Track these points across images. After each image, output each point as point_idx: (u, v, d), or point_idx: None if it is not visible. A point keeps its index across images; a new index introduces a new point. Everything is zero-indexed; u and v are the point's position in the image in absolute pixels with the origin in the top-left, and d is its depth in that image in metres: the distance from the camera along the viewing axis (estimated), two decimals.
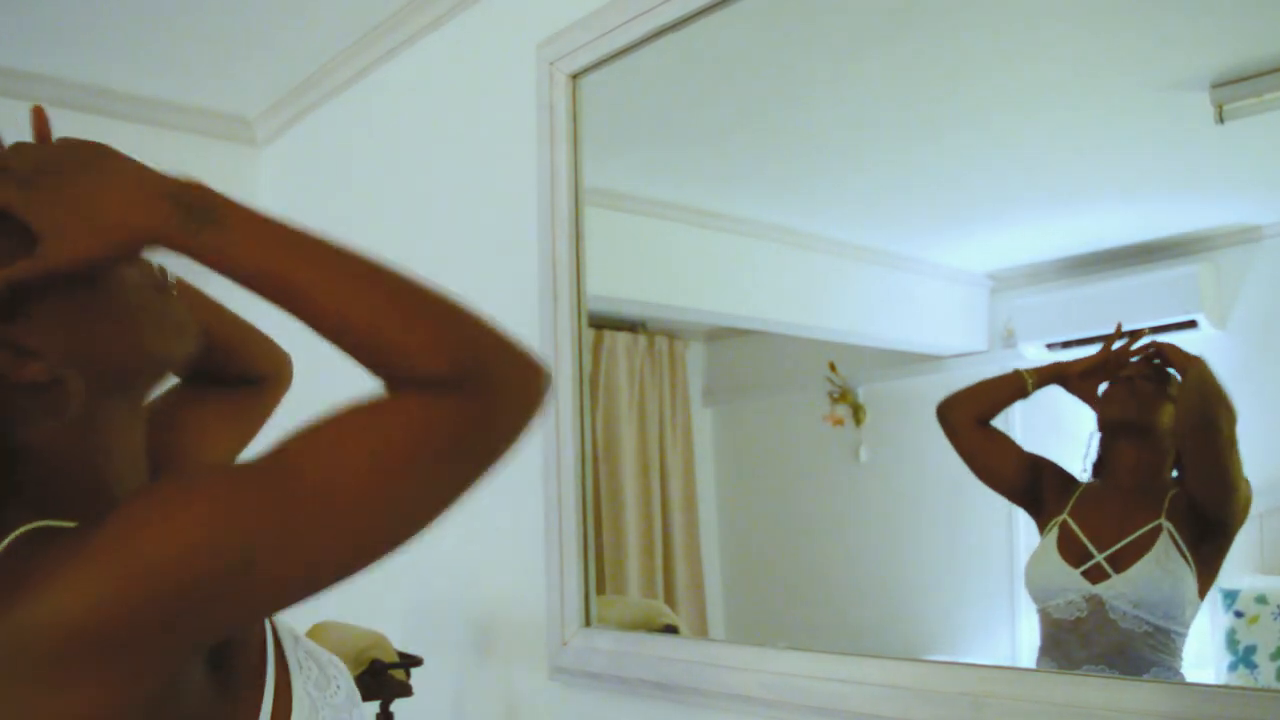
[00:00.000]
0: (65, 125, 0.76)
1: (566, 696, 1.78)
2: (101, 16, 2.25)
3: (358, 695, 0.88)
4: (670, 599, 1.94)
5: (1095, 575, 1.28)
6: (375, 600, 2.10)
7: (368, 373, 0.70)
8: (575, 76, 1.82)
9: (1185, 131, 1.33)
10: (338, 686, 0.85)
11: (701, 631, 1.93)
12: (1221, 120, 1.22)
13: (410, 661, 1.78)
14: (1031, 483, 1.41)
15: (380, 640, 1.76)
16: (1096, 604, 1.27)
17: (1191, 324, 1.29)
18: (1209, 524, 1.23)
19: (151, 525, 0.62)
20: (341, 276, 0.69)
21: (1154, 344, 1.31)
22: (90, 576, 0.61)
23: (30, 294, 0.69)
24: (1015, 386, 1.43)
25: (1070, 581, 1.30)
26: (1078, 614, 1.28)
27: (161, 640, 0.62)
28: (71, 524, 0.68)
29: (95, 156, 0.70)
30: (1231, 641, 1.24)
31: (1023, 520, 1.42)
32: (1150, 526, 1.25)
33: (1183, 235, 1.33)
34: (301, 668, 0.82)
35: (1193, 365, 1.27)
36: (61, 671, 0.60)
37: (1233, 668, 1.24)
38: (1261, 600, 1.24)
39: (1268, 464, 1.21)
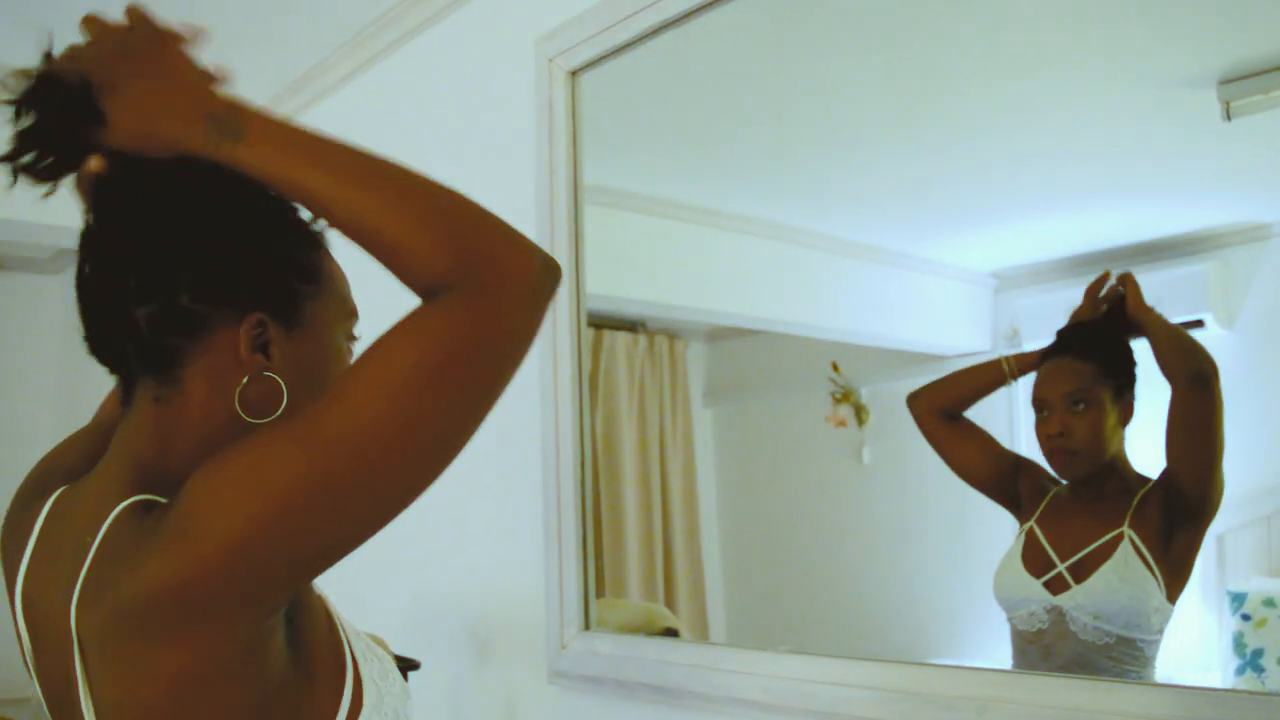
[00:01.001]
0: None
1: (565, 700, 1.78)
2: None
3: (409, 690, 0.93)
4: (670, 602, 1.94)
5: (1057, 586, 1.29)
6: (372, 602, 2.10)
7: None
8: (574, 73, 1.82)
9: (1192, 128, 1.33)
10: (394, 679, 0.90)
11: (702, 635, 1.93)
12: (1229, 117, 1.22)
13: (407, 664, 1.78)
14: (1009, 482, 1.40)
15: (377, 642, 1.76)
16: (1058, 615, 1.27)
17: (1199, 324, 1.29)
18: (1183, 513, 1.21)
19: (210, 495, 0.70)
20: (352, 182, 0.75)
21: (1118, 283, 1.31)
22: (171, 545, 0.69)
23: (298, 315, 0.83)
24: (993, 375, 1.43)
25: (1032, 592, 1.30)
26: (1039, 625, 1.28)
27: (235, 598, 0.69)
28: (164, 500, 0.75)
29: (159, 57, 0.80)
30: (1239, 645, 1.25)
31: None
32: (1112, 535, 1.25)
33: (1189, 234, 1.33)
34: (365, 659, 0.87)
35: (1152, 320, 1.26)
36: (159, 630, 0.69)
37: (1240, 672, 1.24)
38: (1270, 603, 1.24)
39: (1275, 464, 1.21)
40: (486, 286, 0.73)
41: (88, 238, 0.83)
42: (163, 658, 0.69)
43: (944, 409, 1.47)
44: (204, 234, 0.80)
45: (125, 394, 0.84)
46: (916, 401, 1.50)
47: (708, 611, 1.96)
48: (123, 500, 0.76)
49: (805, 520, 1.91)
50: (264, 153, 0.76)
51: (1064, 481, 1.36)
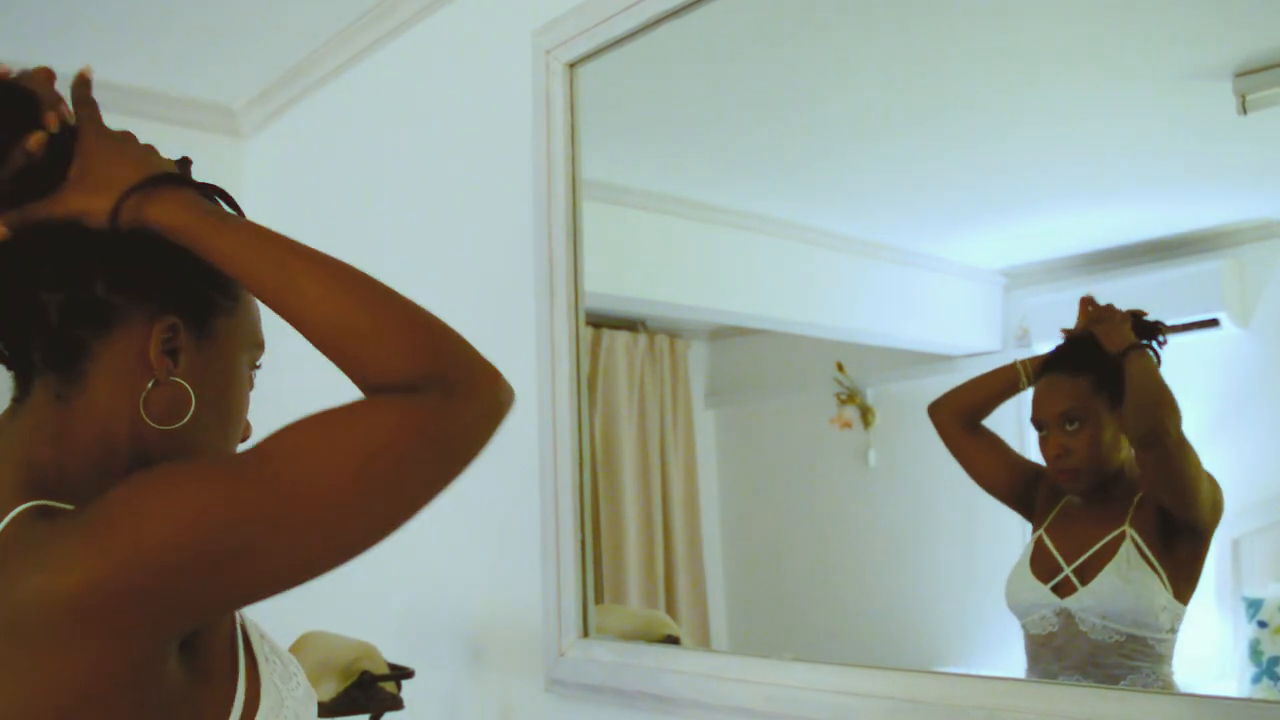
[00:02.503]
0: None
1: (563, 710, 1.78)
2: (80, 3, 2.25)
3: (314, 694, 0.93)
4: (671, 608, 1.94)
5: (1064, 589, 1.32)
6: (365, 609, 2.10)
7: (348, 378, 0.79)
8: (572, 65, 1.82)
9: (1207, 123, 1.33)
10: (298, 683, 0.90)
11: (704, 642, 1.93)
12: (1245, 111, 1.22)
13: (401, 673, 1.77)
14: (1025, 491, 1.43)
15: (370, 651, 1.76)
16: (1066, 618, 1.30)
17: (1213, 323, 1.29)
18: (1179, 528, 1.24)
19: (137, 510, 0.70)
20: (329, 286, 0.79)
21: (1089, 310, 1.34)
22: (82, 553, 0.69)
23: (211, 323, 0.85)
24: (1009, 380, 1.44)
25: (1041, 598, 1.33)
26: (1050, 629, 1.31)
27: (141, 617, 0.69)
28: (69, 506, 0.74)
29: (130, 145, 0.83)
30: (1255, 653, 1.24)
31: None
32: (1113, 535, 1.28)
33: (1204, 230, 1.33)
34: (268, 660, 0.87)
35: (1131, 360, 1.27)
36: (55, 638, 0.68)
37: (1256, 680, 1.24)
38: None
39: None
40: (460, 390, 0.78)
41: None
42: (53, 668, 0.68)
43: (965, 417, 1.48)
44: None
45: (20, 390, 0.82)
46: (939, 411, 1.51)
47: (709, 618, 1.96)
48: (17, 504, 0.74)
49: (809, 525, 1.91)
50: (240, 242, 0.80)
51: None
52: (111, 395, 0.80)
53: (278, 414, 0.82)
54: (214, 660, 0.81)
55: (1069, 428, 1.34)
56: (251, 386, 0.91)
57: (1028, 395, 1.42)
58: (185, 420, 0.81)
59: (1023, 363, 1.43)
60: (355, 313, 0.78)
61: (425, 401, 0.76)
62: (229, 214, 0.82)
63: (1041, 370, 1.39)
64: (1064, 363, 1.38)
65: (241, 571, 0.71)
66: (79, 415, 0.80)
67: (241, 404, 0.89)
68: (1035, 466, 1.41)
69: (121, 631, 0.69)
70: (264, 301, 0.80)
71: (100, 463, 0.79)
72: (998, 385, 1.46)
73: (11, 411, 0.83)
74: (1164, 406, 1.24)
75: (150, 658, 0.72)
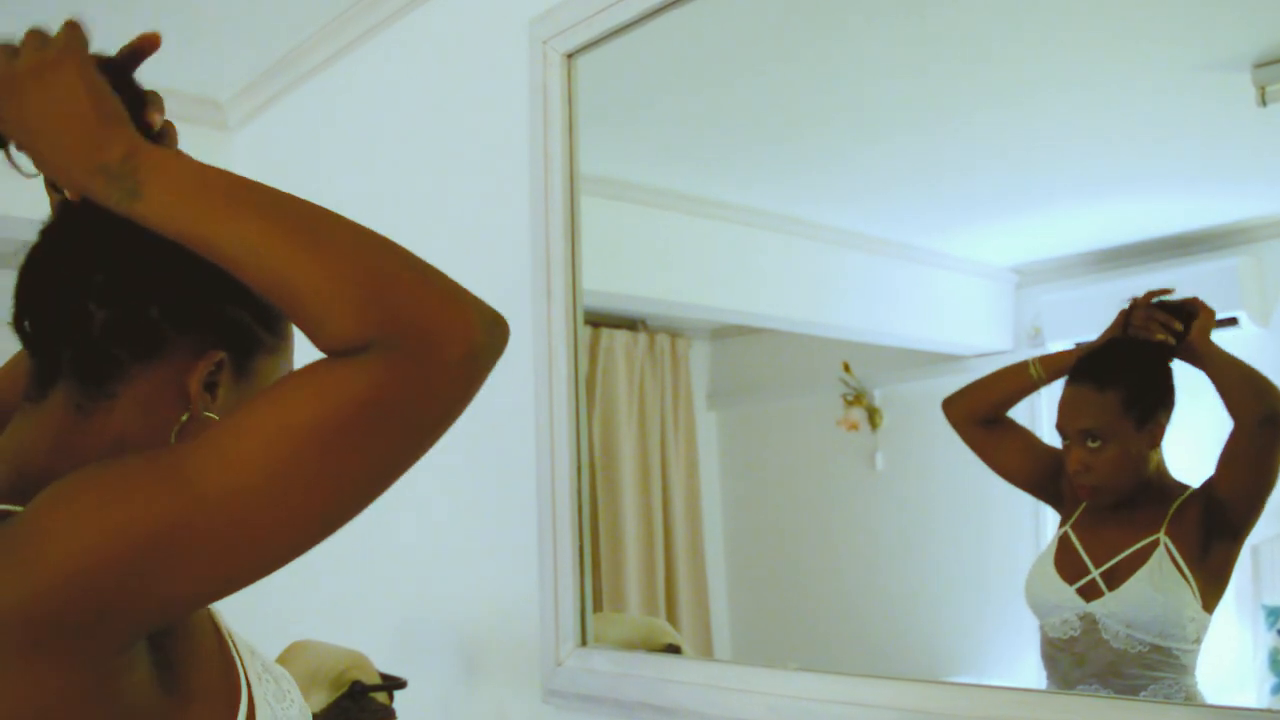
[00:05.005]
0: None
1: None
2: None
3: (309, 711, 0.92)
4: (672, 616, 1.94)
5: (1090, 592, 1.31)
6: (356, 617, 2.10)
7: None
8: (570, 56, 1.82)
9: (1225, 115, 1.33)
10: (292, 700, 0.88)
11: (706, 651, 1.93)
12: (1264, 103, 1.22)
13: (393, 683, 1.77)
14: (1051, 480, 1.41)
15: (361, 660, 1.75)
16: (1090, 622, 1.29)
17: (1232, 321, 1.29)
18: (1223, 527, 1.23)
19: (53, 526, 0.67)
20: (261, 231, 0.71)
21: (1180, 306, 1.30)
22: (9, 568, 0.66)
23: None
24: (1022, 379, 1.44)
25: (1065, 599, 1.32)
26: (1071, 633, 1.30)
27: (74, 635, 0.66)
28: (19, 509, 0.71)
29: (44, 91, 0.75)
30: (1275, 662, 1.24)
31: (1050, 532, 1.42)
32: (1147, 541, 1.27)
33: (1222, 226, 1.33)
34: (260, 680, 0.85)
35: (1217, 351, 1.25)
36: None
37: (1276, 690, 1.24)
38: None
39: None
40: (410, 350, 0.69)
41: (60, 220, 0.81)
42: (1, 686, 0.66)
43: (981, 415, 1.48)
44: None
45: (37, 390, 0.80)
46: (952, 408, 1.51)
47: (712, 626, 1.96)
48: None
49: (815, 530, 1.91)
50: (163, 208, 0.72)
51: None
52: (135, 419, 0.78)
53: None
54: (199, 677, 0.79)
55: (1091, 444, 1.33)
56: None
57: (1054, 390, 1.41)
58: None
59: (1034, 362, 1.43)
60: (292, 265, 0.70)
61: (371, 364, 0.68)
62: (144, 163, 0.74)
63: (1070, 375, 1.37)
64: (1093, 373, 1.36)
65: (176, 581, 0.68)
66: (92, 431, 0.78)
67: None
68: (1059, 454, 1.39)
69: (58, 650, 0.66)
70: (195, 249, 0.73)
71: None
72: (1012, 385, 1.45)
73: (24, 412, 0.81)
74: (1274, 390, 1.21)
75: (102, 674, 0.69)
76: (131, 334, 0.77)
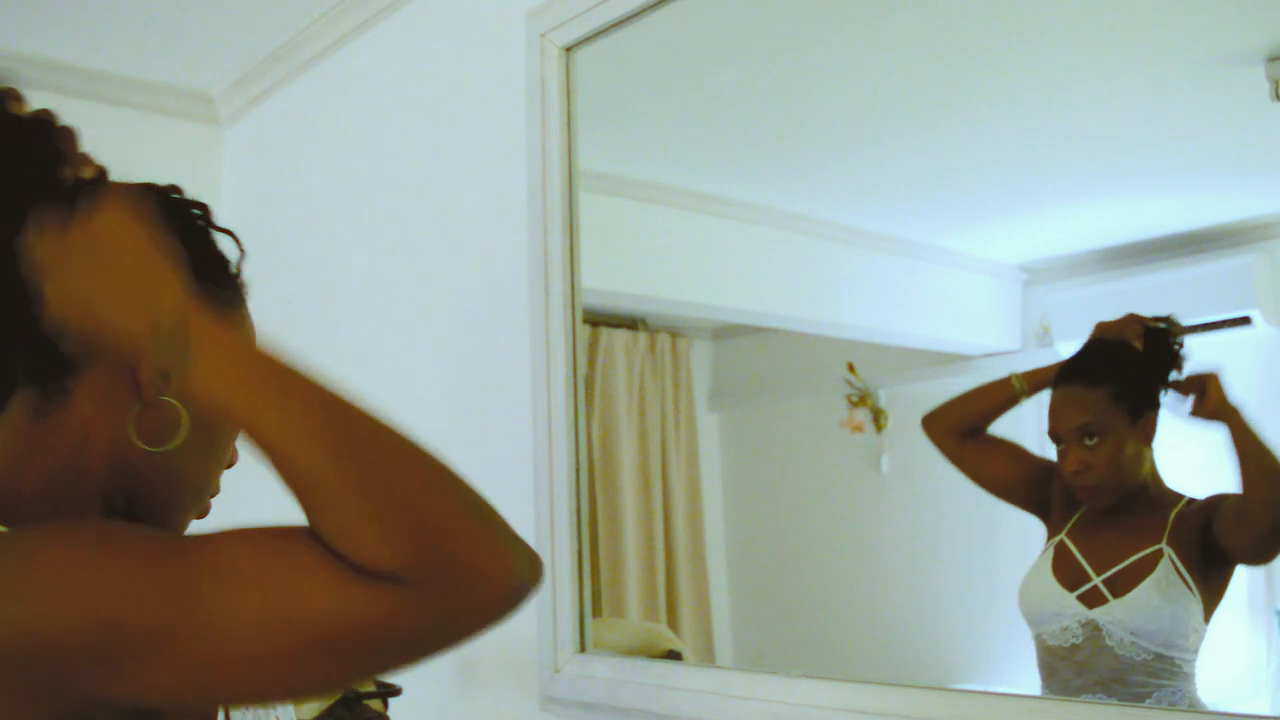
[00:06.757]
0: None
1: None
2: None
3: None
4: (673, 622, 1.94)
5: (1092, 600, 1.31)
6: None
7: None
8: (569, 49, 1.82)
9: (1238, 109, 1.33)
10: (276, 718, 0.89)
11: (707, 658, 1.93)
12: (1278, 97, 1.22)
13: (387, 691, 1.77)
14: (1040, 491, 1.43)
15: None
16: (1093, 630, 1.30)
17: (1245, 320, 1.29)
18: (1223, 557, 1.25)
19: (37, 573, 0.67)
20: (304, 439, 0.69)
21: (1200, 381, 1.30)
22: None
23: None
24: (1004, 394, 1.46)
25: (1065, 606, 1.33)
26: (1073, 640, 1.31)
27: (33, 684, 0.66)
28: (2, 529, 0.72)
29: (110, 240, 0.74)
30: None
31: None
32: (1150, 551, 1.28)
33: (1235, 223, 1.33)
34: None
35: (1238, 430, 1.24)
36: None
37: None
38: None
39: None
40: (442, 587, 0.68)
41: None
42: None
43: (963, 428, 1.50)
44: None
45: None
46: (932, 425, 1.54)
47: (713, 632, 1.96)
48: None
49: (819, 533, 1.91)
50: (207, 386, 0.71)
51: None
52: (94, 414, 0.78)
53: None
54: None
55: (1088, 442, 1.34)
56: None
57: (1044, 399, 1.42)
58: (177, 442, 0.79)
59: (1017, 376, 1.44)
60: (333, 475, 0.68)
61: (395, 593, 0.67)
62: (196, 332, 0.73)
63: (1057, 380, 1.39)
64: (1081, 373, 1.38)
65: (139, 678, 0.67)
66: (54, 433, 0.78)
67: (231, 431, 0.86)
68: (1048, 464, 1.41)
69: (17, 694, 0.66)
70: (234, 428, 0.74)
71: (64, 485, 0.77)
72: (992, 400, 1.47)
73: None
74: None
75: (74, 715, 0.69)
76: None
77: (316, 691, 0.72)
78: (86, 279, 0.73)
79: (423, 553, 0.67)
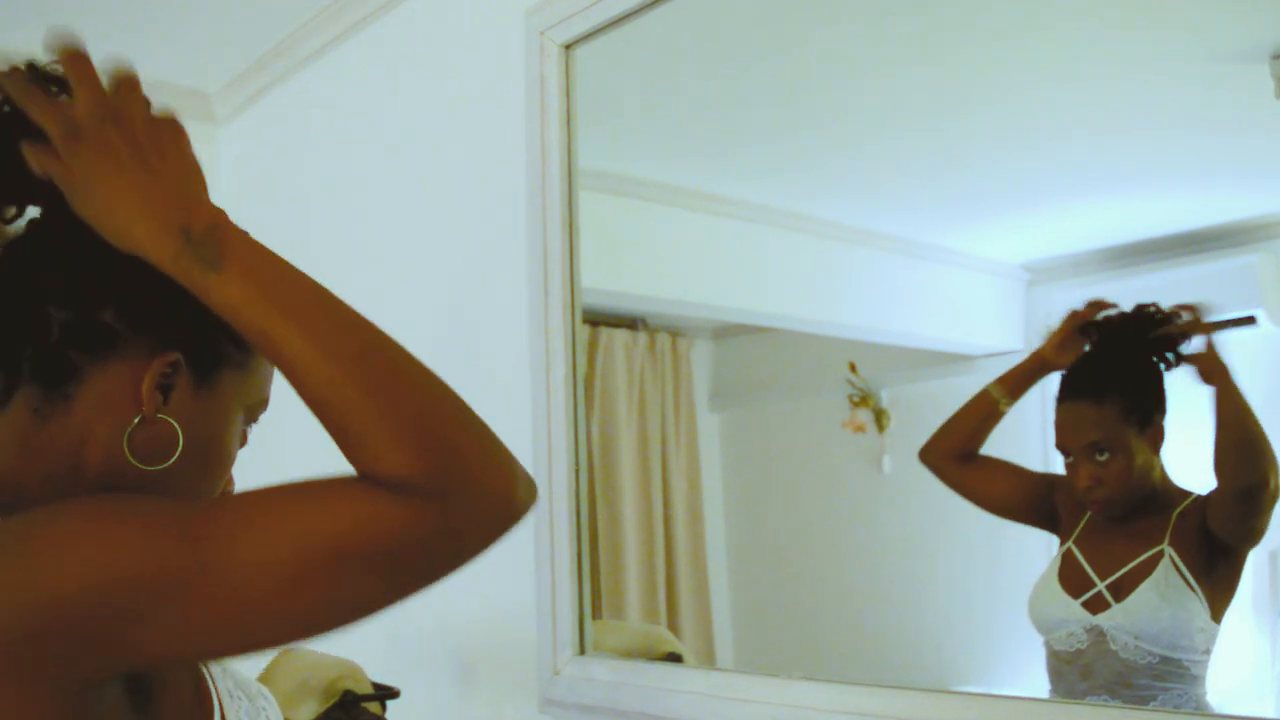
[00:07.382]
0: None
1: None
2: None
3: None
4: (673, 624, 1.94)
5: (1096, 605, 1.32)
6: None
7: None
8: (569, 46, 1.82)
9: (1243, 108, 1.33)
10: (267, 718, 0.89)
11: (707, 660, 1.93)
12: None
13: (386, 693, 1.77)
14: (1044, 505, 1.44)
15: (353, 669, 1.75)
16: (1097, 635, 1.31)
17: (1250, 320, 1.29)
18: (1222, 546, 1.25)
19: (51, 536, 0.69)
20: (330, 352, 0.73)
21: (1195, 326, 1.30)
22: None
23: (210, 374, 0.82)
24: (985, 406, 1.47)
25: (1070, 613, 1.34)
26: (1078, 645, 1.32)
27: (47, 659, 0.67)
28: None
29: (141, 145, 0.76)
30: None
31: None
32: (1151, 553, 1.28)
33: (1240, 222, 1.33)
34: (231, 697, 0.87)
35: (1224, 397, 1.24)
36: None
37: None
38: None
39: None
40: (455, 500, 0.72)
41: (24, 233, 0.81)
42: None
43: (957, 455, 1.50)
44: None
45: (1, 399, 0.81)
46: (929, 455, 1.55)
47: (713, 634, 1.96)
48: None
49: (820, 535, 1.91)
50: (238, 292, 0.73)
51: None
52: (93, 423, 0.79)
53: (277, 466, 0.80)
54: (171, 698, 0.80)
55: (1099, 458, 1.35)
56: (244, 443, 0.89)
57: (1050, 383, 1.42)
58: (169, 463, 0.79)
59: (994, 385, 1.44)
60: (359, 388, 0.72)
61: (414, 505, 0.71)
62: (229, 239, 0.75)
63: (1062, 395, 1.39)
64: (1086, 388, 1.38)
65: (155, 631, 0.68)
66: (53, 436, 0.79)
67: (227, 457, 0.86)
68: (1049, 478, 1.42)
69: (29, 673, 0.67)
70: (252, 344, 0.77)
71: (62, 488, 0.78)
72: (976, 415, 1.48)
73: None
74: (1266, 456, 1.20)
75: (74, 702, 0.70)
76: (85, 334, 0.78)
77: (344, 619, 0.73)
78: (114, 185, 0.74)
79: (441, 466, 0.71)
